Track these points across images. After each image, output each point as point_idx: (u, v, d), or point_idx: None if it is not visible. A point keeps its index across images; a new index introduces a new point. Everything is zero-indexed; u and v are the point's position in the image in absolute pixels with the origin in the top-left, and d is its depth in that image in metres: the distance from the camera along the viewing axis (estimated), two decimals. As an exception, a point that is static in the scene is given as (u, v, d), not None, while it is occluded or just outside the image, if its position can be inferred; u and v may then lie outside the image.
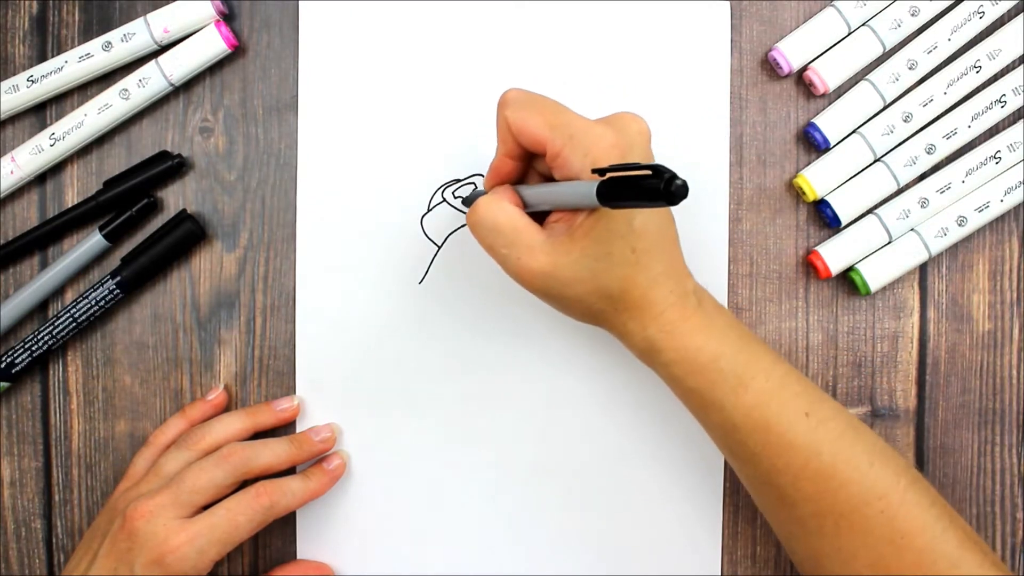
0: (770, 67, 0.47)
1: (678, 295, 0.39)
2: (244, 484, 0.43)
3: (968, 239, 0.48)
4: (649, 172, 0.31)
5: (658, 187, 0.31)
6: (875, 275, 0.46)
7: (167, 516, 0.40)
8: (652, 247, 0.38)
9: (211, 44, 0.46)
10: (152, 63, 0.46)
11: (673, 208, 0.38)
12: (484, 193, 0.40)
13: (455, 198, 0.47)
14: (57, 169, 0.48)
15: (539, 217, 0.39)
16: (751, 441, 0.39)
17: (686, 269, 0.40)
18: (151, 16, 0.46)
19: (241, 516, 0.41)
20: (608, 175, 0.33)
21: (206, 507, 0.42)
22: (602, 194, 0.33)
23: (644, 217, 0.37)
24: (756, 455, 0.39)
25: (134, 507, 0.41)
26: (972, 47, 0.46)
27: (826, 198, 0.46)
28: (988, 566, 0.39)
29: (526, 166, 0.40)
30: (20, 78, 0.46)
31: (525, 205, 0.39)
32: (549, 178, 0.40)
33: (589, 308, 0.39)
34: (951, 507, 0.40)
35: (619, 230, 0.37)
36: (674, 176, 0.31)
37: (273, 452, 0.44)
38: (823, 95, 0.47)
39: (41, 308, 0.48)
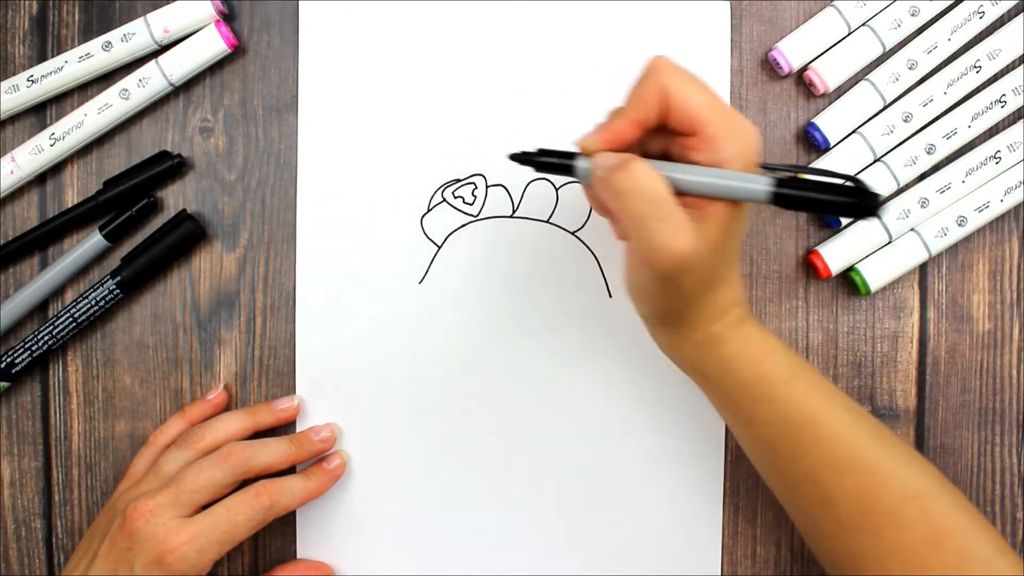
0: (770, 67, 0.47)
1: (743, 295, 0.40)
2: (244, 484, 0.43)
3: (968, 239, 0.48)
4: (849, 183, 0.31)
5: (859, 201, 0.30)
6: (875, 275, 0.46)
7: (167, 516, 0.40)
8: (740, 248, 0.39)
9: (211, 44, 0.46)
10: (152, 63, 0.46)
11: None
12: (576, 154, 0.38)
13: (455, 198, 0.47)
14: (57, 169, 0.48)
15: None
16: (800, 435, 0.39)
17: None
18: (151, 16, 0.46)
19: (241, 515, 0.41)
20: (788, 175, 0.33)
21: (206, 507, 0.42)
22: (780, 196, 0.32)
23: (747, 220, 0.38)
24: (804, 449, 0.39)
25: (134, 507, 0.41)
26: (972, 47, 0.46)
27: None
28: (1021, 570, 0.39)
29: (643, 139, 0.38)
30: (20, 78, 0.46)
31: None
32: (663, 156, 0.37)
33: (687, 298, 0.37)
34: (981, 513, 0.40)
35: (740, 229, 0.37)
36: (877, 194, 0.30)
37: (273, 452, 0.44)
38: (823, 95, 0.47)
39: (41, 308, 0.48)
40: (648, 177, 0.35)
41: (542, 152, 0.38)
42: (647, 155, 0.37)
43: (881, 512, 0.38)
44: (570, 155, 0.38)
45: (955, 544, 0.38)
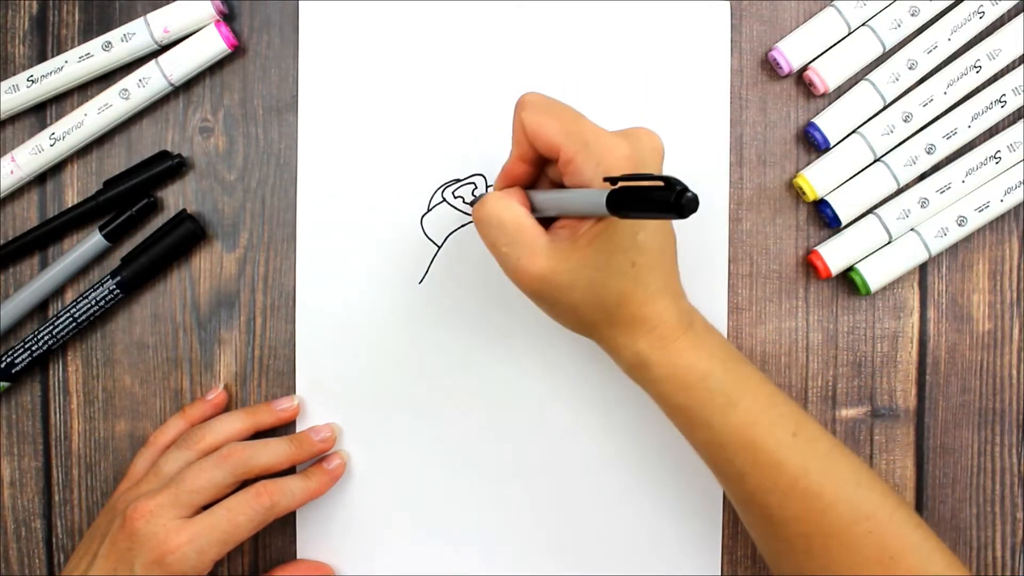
0: (770, 67, 0.47)
1: (672, 312, 0.39)
2: (244, 484, 0.43)
3: (968, 239, 0.48)
4: (661, 183, 0.31)
5: (668, 199, 0.30)
6: (875, 275, 0.46)
7: (167, 516, 0.40)
8: (652, 263, 0.38)
9: (211, 44, 0.46)
10: (152, 63, 0.46)
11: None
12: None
13: (455, 198, 0.47)
14: (57, 169, 0.48)
15: (546, 224, 0.39)
16: (738, 460, 0.39)
17: (681, 288, 0.41)
18: (151, 16, 0.46)
19: (241, 516, 0.41)
20: (619, 184, 0.33)
21: (206, 507, 0.42)
22: (612, 203, 0.33)
23: (647, 233, 0.37)
24: (743, 474, 0.39)
25: (134, 507, 0.41)
26: (972, 47, 0.46)
27: (826, 198, 0.46)
28: None
29: (538, 171, 0.40)
30: (20, 78, 0.46)
31: (533, 209, 0.39)
32: (559, 185, 0.39)
33: (582, 318, 0.39)
34: (934, 532, 0.40)
35: (622, 243, 0.37)
36: (685, 189, 0.30)
37: (273, 452, 0.44)
38: (823, 95, 0.47)
39: (41, 308, 0.48)
40: (494, 206, 0.38)
41: (470, 202, 0.43)
42: (556, 187, 0.40)
43: (830, 535, 0.38)
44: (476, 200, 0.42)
45: (907, 565, 0.38)
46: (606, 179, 0.34)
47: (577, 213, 0.37)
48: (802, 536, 0.39)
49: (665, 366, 0.39)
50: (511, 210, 0.38)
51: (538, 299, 0.39)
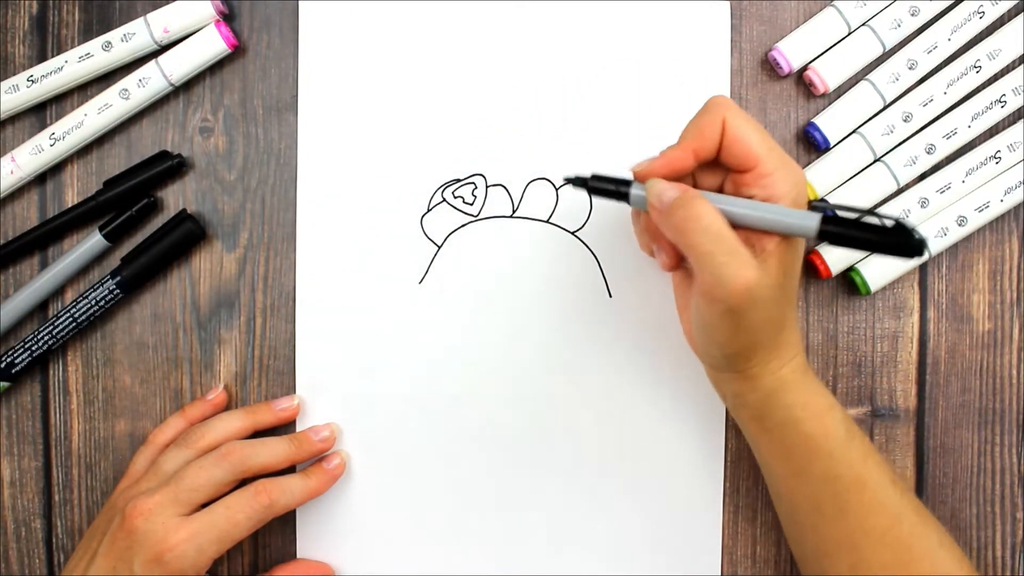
0: (770, 67, 0.47)
1: (801, 342, 0.40)
2: (243, 483, 0.43)
3: (968, 239, 0.48)
4: (891, 223, 0.32)
5: (901, 241, 0.32)
6: (875, 275, 0.46)
7: (166, 514, 0.40)
8: (796, 289, 0.39)
9: (211, 44, 0.46)
10: (152, 63, 0.46)
11: None
12: (630, 181, 0.39)
13: (455, 198, 0.47)
14: (57, 169, 0.48)
15: None
16: (847, 493, 0.39)
17: None
18: (151, 16, 0.46)
19: (240, 514, 0.41)
20: (837, 212, 0.34)
21: (205, 505, 0.42)
22: (826, 232, 0.34)
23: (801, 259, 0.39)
24: (849, 512, 0.39)
25: (133, 505, 0.41)
26: (972, 47, 0.46)
27: (826, 198, 0.46)
28: None
29: (694, 169, 0.39)
30: (20, 78, 0.46)
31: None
32: (714, 191, 0.39)
33: (756, 337, 0.38)
34: None
35: (794, 267, 0.38)
36: (919, 235, 0.32)
37: (272, 451, 0.44)
38: (823, 95, 0.47)
39: (41, 308, 0.48)
40: (708, 212, 0.36)
41: (596, 178, 0.40)
42: (699, 187, 0.39)
43: None
44: (625, 182, 0.39)
45: None
46: (812, 204, 0.35)
47: (778, 229, 0.37)
48: None
49: (802, 392, 0.40)
50: (712, 214, 0.36)
51: (734, 314, 0.36)
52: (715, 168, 0.40)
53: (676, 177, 0.39)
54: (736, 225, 0.37)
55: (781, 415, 0.40)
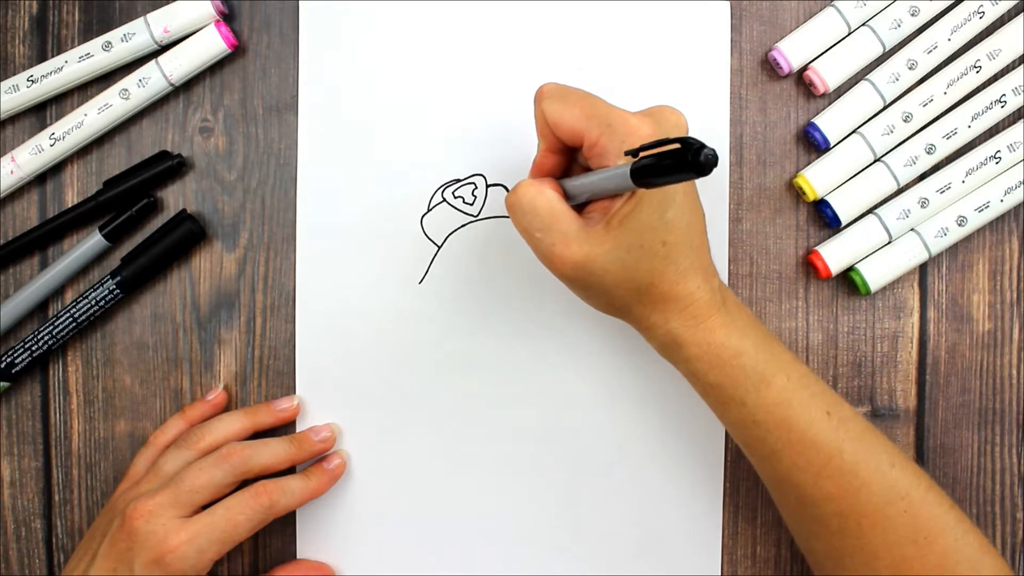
0: (770, 67, 0.47)
1: (704, 291, 0.39)
2: (243, 484, 0.43)
3: (968, 239, 0.48)
4: (678, 145, 0.31)
5: (686, 158, 0.30)
6: (875, 275, 0.46)
7: (167, 516, 0.40)
8: (681, 241, 0.38)
9: (211, 44, 0.46)
10: (152, 63, 0.46)
11: (686, 189, 0.39)
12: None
13: (455, 198, 0.47)
14: (57, 169, 0.48)
15: (578, 211, 0.39)
16: (771, 438, 0.39)
17: (713, 266, 0.40)
18: (151, 16, 0.46)
19: (241, 515, 0.41)
20: (641, 154, 0.33)
21: (206, 507, 0.42)
22: (636, 174, 0.33)
23: (675, 210, 0.37)
24: (777, 452, 0.39)
25: (133, 507, 0.41)
26: (972, 47, 0.46)
27: (826, 198, 0.46)
28: (1007, 571, 0.39)
29: (568, 161, 0.40)
30: (20, 78, 0.46)
31: (567, 197, 0.39)
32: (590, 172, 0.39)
33: (615, 300, 0.39)
34: (967, 515, 0.40)
35: (651, 222, 0.37)
36: (702, 145, 0.30)
37: (273, 452, 0.44)
38: (823, 95, 0.47)
39: (41, 308, 0.48)
40: (527, 192, 0.38)
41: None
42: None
43: (864, 514, 0.39)
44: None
45: (941, 545, 0.38)
46: (627, 152, 0.34)
47: (606, 192, 0.37)
48: (836, 515, 0.39)
49: (699, 344, 0.39)
50: (544, 196, 0.38)
51: (572, 284, 0.39)
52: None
53: (555, 174, 0.40)
54: (580, 200, 0.38)
55: (683, 368, 0.41)
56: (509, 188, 0.47)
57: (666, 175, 0.32)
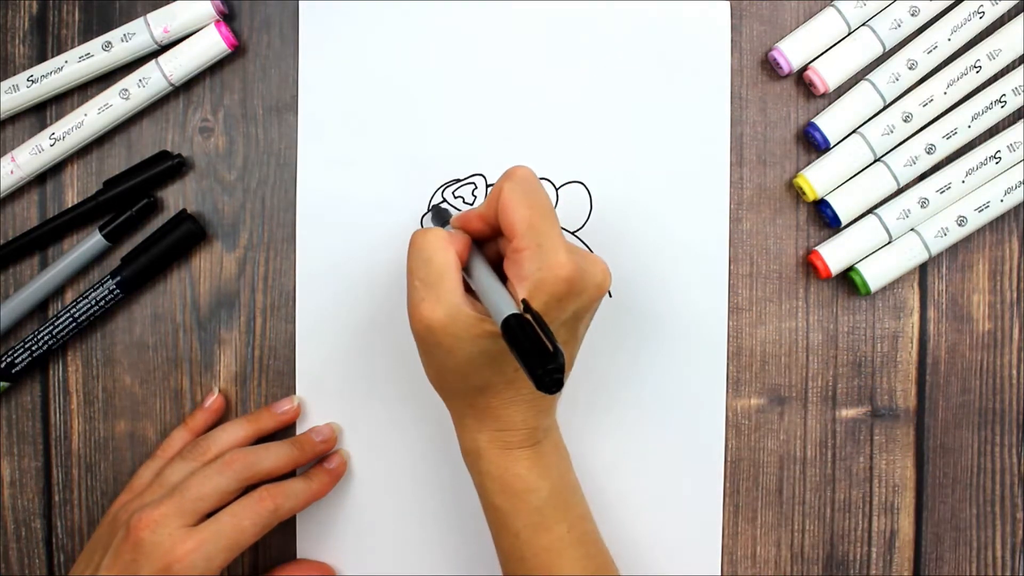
0: (770, 67, 0.47)
1: (527, 425, 0.40)
2: (247, 490, 0.43)
3: (968, 239, 0.48)
4: (549, 349, 0.31)
5: (538, 366, 0.31)
6: (875, 275, 0.46)
7: (172, 525, 0.40)
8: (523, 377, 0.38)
9: (211, 44, 0.46)
10: (152, 63, 0.46)
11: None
12: (446, 222, 0.42)
13: (455, 198, 0.47)
14: (57, 169, 0.48)
15: None
16: None
17: (554, 407, 0.41)
18: (151, 16, 0.46)
19: (246, 521, 0.41)
20: (526, 315, 0.33)
21: (210, 515, 0.41)
22: (506, 327, 0.33)
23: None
24: None
25: (138, 517, 0.40)
26: (972, 47, 0.46)
27: (826, 198, 0.46)
28: None
29: (493, 235, 0.40)
30: (20, 78, 0.46)
31: (465, 268, 0.39)
32: (500, 260, 0.39)
33: (445, 384, 0.40)
34: None
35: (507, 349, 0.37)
36: (557, 369, 0.30)
37: (275, 456, 0.44)
38: (823, 95, 0.47)
39: (41, 308, 0.48)
40: (432, 242, 0.38)
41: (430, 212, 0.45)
42: (498, 260, 0.40)
43: None
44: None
45: None
46: (523, 302, 0.34)
47: (485, 303, 0.37)
48: None
49: (497, 466, 0.40)
50: (443, 254, 0.38)
51: (418, 342, 0.39)
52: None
53: (476, 237, 0.40)
54: (468, 282, 0.38)
55: (476, 479, 0.41)
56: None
57: (520, 356, 0.32)
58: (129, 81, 0.46)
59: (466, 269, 0.39)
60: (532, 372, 0.31)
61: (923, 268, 0.48)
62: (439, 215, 0.45)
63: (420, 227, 0.47)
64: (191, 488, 0.41)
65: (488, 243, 0.41)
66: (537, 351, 0.31)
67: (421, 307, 0.37)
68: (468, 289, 0.39)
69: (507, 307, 0.34)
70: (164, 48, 0.46)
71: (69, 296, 0.48)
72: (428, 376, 0.41)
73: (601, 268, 0.38)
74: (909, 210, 0.46)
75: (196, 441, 0.45)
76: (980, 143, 0.46)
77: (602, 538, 0.43)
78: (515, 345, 0.32)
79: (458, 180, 0.47)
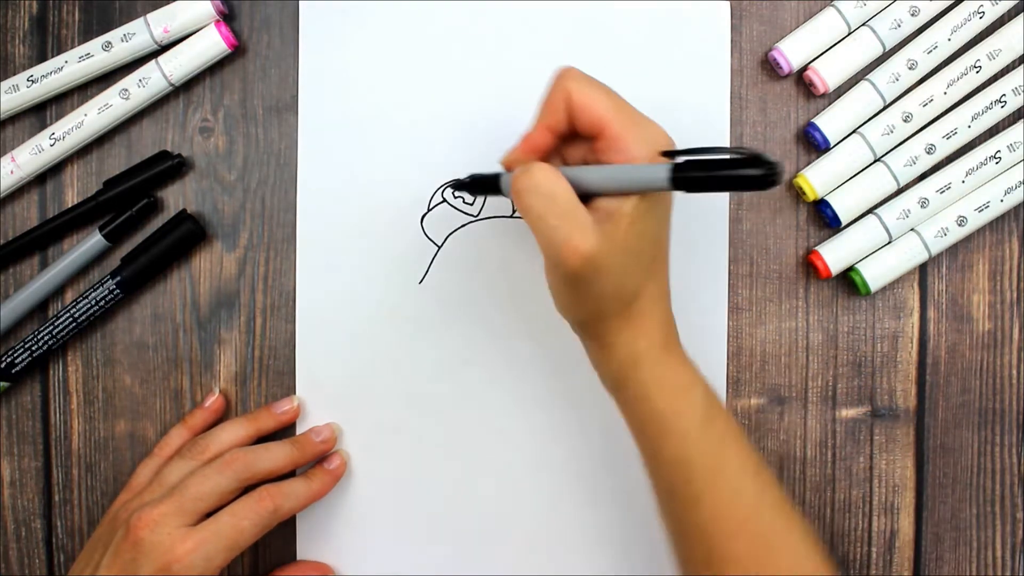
0: (770, 67, 0.47)
1: (669, 317, 0.39)
2: (246, 489, 0.43)
3: (968, 239, 0.48)
4: (739, 156, 0.30)
5: (754, 175, 0.29)
6: (875, 275, 0.46)
7: (172, 525, 0.40)
8: (664, 262, 0.38)
9: (211, 44, 0.46)
10: (152, 63, 0.46)
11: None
12: (478, 184, 0.40)
13: (455, 198, 0.47)
14: (57, 169, 0.48)
15: None
16: (701, 481, 0.38)
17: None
18: (151, 16, 0.46)
19: (246, 521, 0.41)
20: (685, 158, 0.32)
21: (210, 515, 0.41)
22: (679, 179, 0.32)
23: (668, 227, 0.37)
24: (700, 498, 0.38)
25: (138, 517, 0.40)
26: (972, 47, 0.46)
27: (826, 198, 0.46)
28: None
29: (557, 145, 0.39)
30: (20, 78, 0.46)
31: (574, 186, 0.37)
32: (579, 164, 0.38)
33: (601, 306, 0.37)
34: None
35: (653, 232, 0.36)
36: (762, 160, 0.29)
37: (275, 456, 0.44)
38: (823, 95, 0.47)
39: (41, 308, 0.48)
40: (546, 177, 0.35)
41: (473, 177, 0.41)
42: (568, 164, 0.38)
43: None
44: (496, 176, 0.40)
45: None
46: (664, 153, 0.33)
47: (622, 189, 0.35)
48: None
49: (657, 367, 0.38)
50: (561, 183, 0.35)
51: (576, 280, 0.36)
52: (580, 142, 0.39)
53: (540, 157, 0.38)
54: (589, 193, 0.36)
55: (634, 390, 0.39)
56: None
57: (718, 185, 0.31)
58: (129, 81, 0.46)
59: (577, 186, 0.36)
60: (745, 183, 0.29)
61: (923, 268, 0.48)
62: (469, 184, 0.43)
63: (420, 227, 0.47)
64: (190, 487, 0.41)
65: (552, 158, 0.39)
66: (726, 169, 0.30)
67: (572, 242, 0.35)
68: None
69: (657, 169, 0.33)
70: (164, 48, 0.46)
71: (69, 296, 0.48)
72: (574, 313, 0.39)
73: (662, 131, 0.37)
74: (909, 210, 0.46)
75: (195, 440, 0.45)
76: (980, 143, 0.46)
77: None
78: (702, 183, 0.31)
79: (458, 180, 0.47)
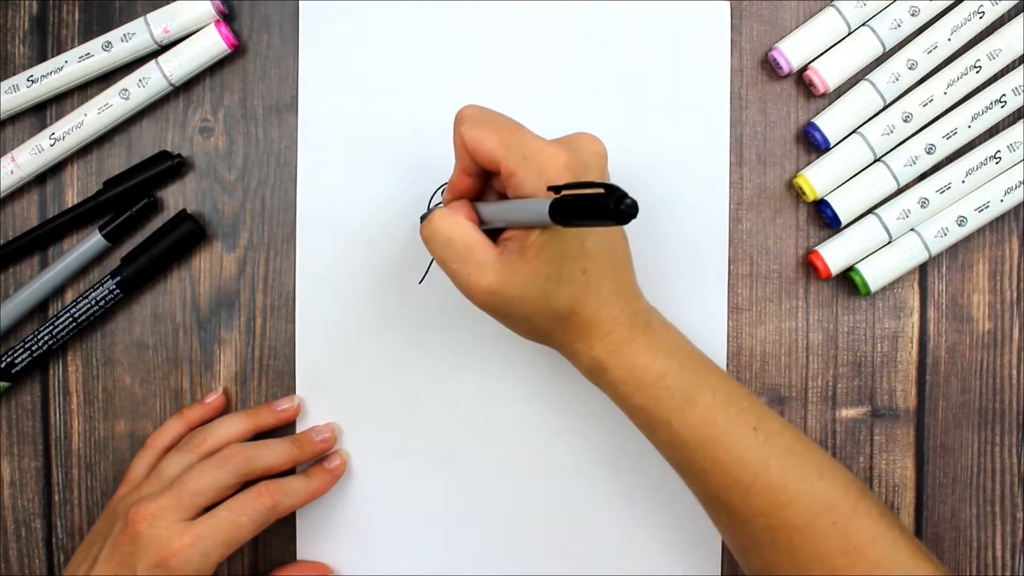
0: (770, 67, 0.47)
1: (627, 315, 0.39)
2: (245, 485, 0.43)
3: (968, 239, 0.48)
4: (601, 191, 0.31)
5: (608, 205, 0.30)
6: (875, 275, 0.46)
7: (169, 519, 0.40)
8: (603, 268, 0.38)
9: (211, 44, 0.46)
10: (152, 63, 0.46)
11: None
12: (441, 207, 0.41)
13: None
14: (57, 169, 0.48)
15: (494, 235, 0.39)
16: (699, 457, 0.39)
17: (637, 289, 0.41)
18: (151, 16, 0.46)
19: (244, 517, 0.41)
20: (562, 193, 0.33)
21: (208, 510, 0.41)
22: (555, 212, 0.33)
23: (596, 238, 0.38)
24: (705, 471, 0.40)
25: (136, 510, 0.40)
26: (972, 47, 0.46)
27: (826, 198, 0.46)
28: (942, 572, 0.39)
29: (483, 183, 0.40)
30: (20, 78, 0.46)
31: (481, 222, 0.39)
32: (505, 196, 0.39)
33: (536, 327, 0.39)
34: (899, 520, 0.40)
35: (570, 251, 0.37)
36: (624, 195, 0.30)
37: (274, 453, 0.44)
38: (823, 95, 0.47)
39: (41, 308, 0.48)
40: (442, 224, 0.38)
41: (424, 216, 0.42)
42: (502, 197, 0.39)
43: (794, 528, 0.39)
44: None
45: (872, 555, 0.39)
46: (549, 188, 0.34)
47: (523, 223, 0.37)
48: (767, 530, 0.39)
49: (622, 368, 0.39)
50: (459, 227, 0.38)
51: (491, 312, 0.39)
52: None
53: (470, 196, 0.40)
54: (494, 226, 0.38)
55: (609, 392, 0.41)
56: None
57: (585, 219, 0.32)
58: (129, 81, 0.46)
59: (484, 222, 0.39)
60: (605, 216, 0.30)
61: (923, 268, 0.48)
62: (424, 216, 0.45)
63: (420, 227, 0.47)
64: (189, 482, 0.41)
65: (488, 192, 0.41)
66: (594, 202, 0.31)
67: (472, 282, 0.37)
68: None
69: (540, 203, 0.34)
70: (164, 48, 0.46)
71: (69, 296, 0.48)
72: (519, 333, 0.41)
73: (587, 137, 0.38)
74: (909, 210, 0.46)
75: (194, 432, 0.45)
76: (980, 143, 0.46)
77: (744, 387, 0.42)
78: (574, 215, 0.32)
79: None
